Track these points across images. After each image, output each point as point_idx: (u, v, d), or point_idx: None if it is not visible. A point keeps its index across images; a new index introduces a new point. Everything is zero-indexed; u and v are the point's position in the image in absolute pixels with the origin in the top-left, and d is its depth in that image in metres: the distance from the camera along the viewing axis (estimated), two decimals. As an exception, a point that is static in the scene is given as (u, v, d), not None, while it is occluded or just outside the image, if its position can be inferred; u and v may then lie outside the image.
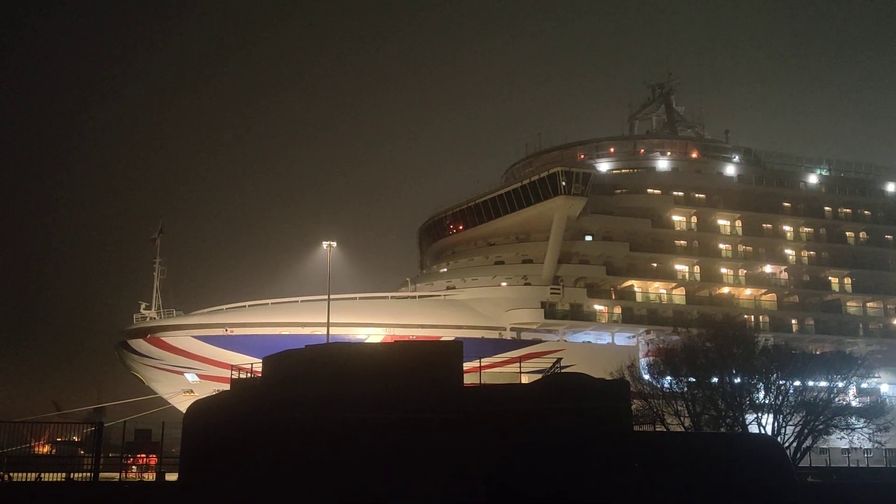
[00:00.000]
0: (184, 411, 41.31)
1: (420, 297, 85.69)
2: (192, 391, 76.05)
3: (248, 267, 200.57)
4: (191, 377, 79.06)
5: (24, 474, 37.50)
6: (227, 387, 42.22)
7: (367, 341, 72.58)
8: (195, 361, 78.10)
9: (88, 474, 39.11)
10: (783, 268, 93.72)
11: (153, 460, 46.28)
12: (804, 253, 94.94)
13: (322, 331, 64.62)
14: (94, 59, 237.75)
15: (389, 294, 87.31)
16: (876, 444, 58.33)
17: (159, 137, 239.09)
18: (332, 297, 63.61)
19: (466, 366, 36.18)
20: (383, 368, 33.74)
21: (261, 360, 37.87)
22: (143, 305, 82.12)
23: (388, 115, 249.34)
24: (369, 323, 78.88)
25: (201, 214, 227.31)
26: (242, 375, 41.70)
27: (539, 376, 40.25)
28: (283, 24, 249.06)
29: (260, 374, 37.99)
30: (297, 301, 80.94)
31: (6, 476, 36.64)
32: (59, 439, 50.32)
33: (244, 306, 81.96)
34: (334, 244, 62.29)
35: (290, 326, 76.82)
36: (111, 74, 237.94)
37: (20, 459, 39.55)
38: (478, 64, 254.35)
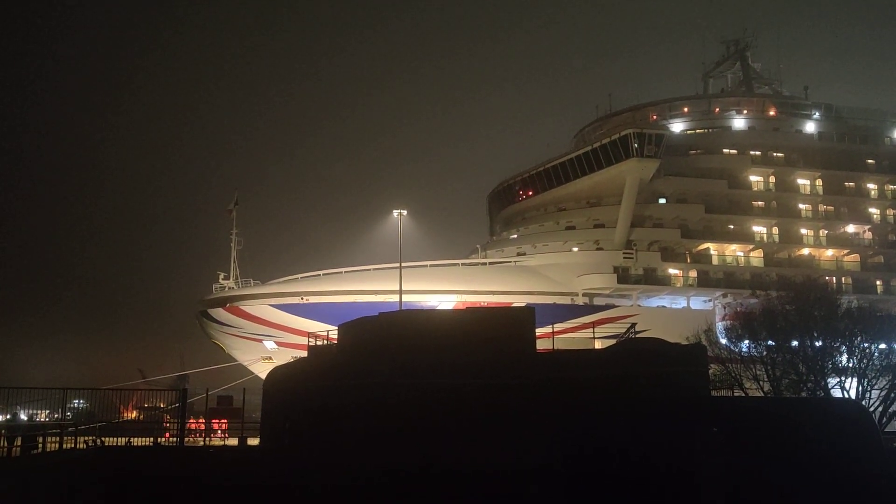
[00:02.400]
0: (263, 378, 42.43)
1: (490, 263, 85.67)
2: (270, 358, 78.01)
3: (322, 236, 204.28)
4: (269, 344, 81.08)
5: (115, 439, 39.08)
6: (304, 353, 43.10)
7: (438, 308, 73.06)
8: (273, 329, 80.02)
9: (174, 439, 40.54)
10: (867, 227, 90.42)
11: (224, 425, 47.57)
12: (889, 211, 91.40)
13: (394, 298, 65.30)
14: (199, 47, 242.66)
15: (460, 261, 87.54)
16: (967, 408, 56.02)
17: (244, 119, 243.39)
18: (403, 264, 64.17)
19: (539, 332, 36.01)
20: (456, 335, 33.85)
21: (336, 328, 38.52)
22: (221, 276, 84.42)
23: (458, 80, 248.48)
24: (441, 290, 79.30)
25: (278, 186, 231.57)
26: (319, 342, 42.43)
27: (613, 342, 39.85)
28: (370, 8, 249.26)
29: (336, 341, 38.63)
30: (369, 269, 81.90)
31: (99, 440, 38.27)
32: (145, 405, 52.24)
33: (319, 275, 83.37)
34: (405, 212, 62.71)
35: (364, 294, 77.79)
36: (213, 61, 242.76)
37: (111, 425, 41.19)
38: (550, 27, 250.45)
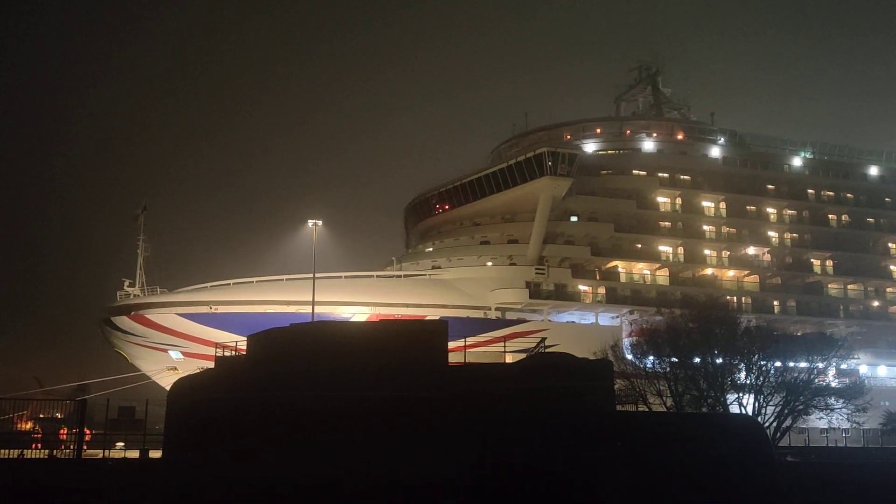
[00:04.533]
0: (168, 389, 41.25)
1: (405, 276, 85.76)
2: (176, 368, 75.95)
3: (233, 245, 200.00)
4: (175, 354, 78.93)
5: (7, 451, 37.29)
6: (211, 364, 42.17)
7: (351, 320, 72.63)
8: (179, 339, 77.96)
9: (71, 451, 38.96)
10: (766, 250, 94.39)
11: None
12: (787, 235, 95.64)
13: (307, 309, 64.59)
14: (85, 44, 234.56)
15: (375, 273, 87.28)
16: (854, 425, 59.09)
17: (146, 118, 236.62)
18: (317, 275, 63.58)
19: (451, 345, 36.30)
20: (368, 347, 33.81)
21: (245, 338, 37.86)
22: (126, 283, 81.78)
23: (376, 97, 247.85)
24: (354, 301, 78.88)
25: (187, 192, 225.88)
26: (227, 353, 41.61)
27: (523, 356, 40.43)
28: (272, 10, 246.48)
29: (244, 352, 37.98)
30: (281, 279, 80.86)
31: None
32: (41, 416, 49.99)
33: (229, 284, 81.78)
34: (320, 223, 62.17)
35: (275, 304, 76.73)
36: (100, 58, 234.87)
37: (2, 436, 39.27)
38: (466, 46, 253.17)
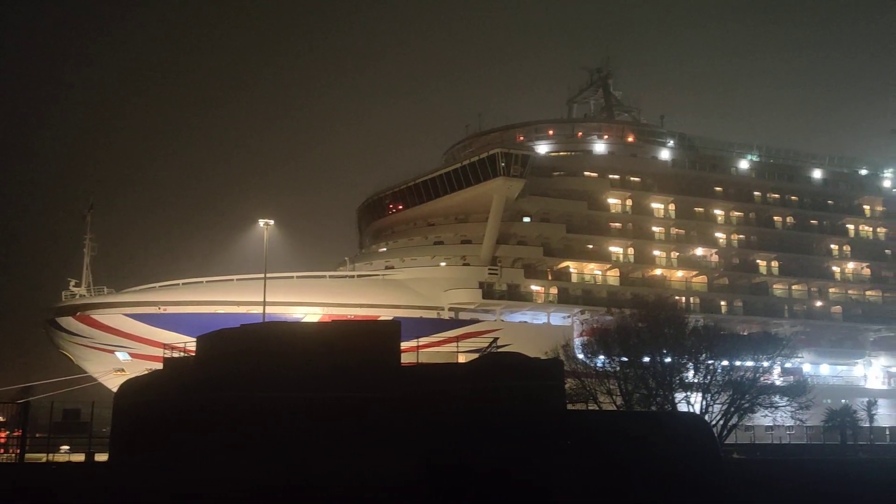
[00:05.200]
0: (115, 390, 40.53)
1: (358, 276, 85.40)
2: (123, 370, 74.52)
3: (183, 246, 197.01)
4: (122, 356, 77.45)
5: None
6: (159, 366, 41.59)
7: (303, 321, 72.08)
8: (127, 340, 76.53)
9: (14, 455, 38.06)
10: (714, 251, 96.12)
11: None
12: (734, 236, 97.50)
13: (258, 310, 63.97)
14: (35, 45, 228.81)
15: (327, 273, 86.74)
16: (798, 422, 60.43)
17: (98, 121, 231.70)
18: (268, 275, 62.94)
19: (404, 345, 36.36)
20: (320, 348, 33.67)
21: (195, 339, 37.41)
22: (72, 282, 79.95)
23: (330, 99, 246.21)
24: (306, 302, 78.28)
25: (136, 191, 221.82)
26: (176, 354, 41.09)
27: (476, 356, 40.67)
28: (224, 17, 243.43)
29: (194, 354, 37.53)
30: (232, 279, 79.88)
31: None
32: (-19, 419, 48.70)
33: (178, 284, 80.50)
34: (271, 222, 61.59)
35: (226, 305, 75.77)
36: (47, 59, 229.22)
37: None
38: (420, 47, 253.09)
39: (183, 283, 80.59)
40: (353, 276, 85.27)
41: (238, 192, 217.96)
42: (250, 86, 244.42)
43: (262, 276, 62.57)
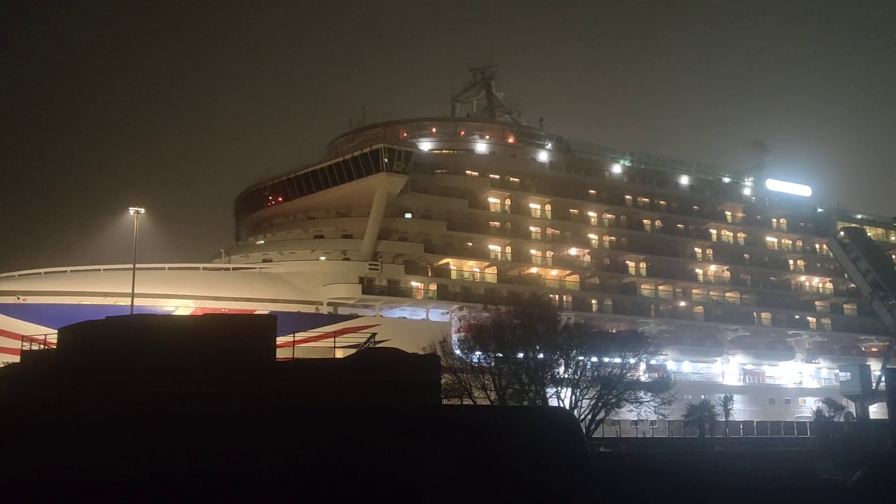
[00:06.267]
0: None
1: (234, 269, 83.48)
2: (-25, 364, 70.00)
3: (47, 232, 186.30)
4: (-26, 348, 72.71)
5: None
6: (17, 359, 39.51)
7: (174, 314, 69.82)
8: (-20, 331, 71.91)
9: None
10: (586, 251, 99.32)
11: None
12: (606, 238, 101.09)
13: (126, 301, 61.55)
14: None
15: (201, 265, 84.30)
16: (660, 417, 63.36)
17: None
18: (138, 266, 60.59)
19: (281, 340, 35.86)
20: (190, 342, 32.78)
21: (56, 332, 35.77)
22: (-80, 269, 74.48)
23: (207, 81, 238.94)
24: (178, 294, 75.84)
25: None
26: (35, 347, 39.09)
27: (354, 351, 40.60)
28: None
29: (55, 346, 35.89)
30: (99, 269, 76.46)
31: None
32: None
33: (39, 273, 76.35)
34: (142, 211, 59.36)
35: (91, 296, 72.47)
36: None
37: None
38: (307, 35, 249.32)
39: (45, 272, 76.53)
40: (228, 269, 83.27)
41: (111, 179, 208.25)
42: (129, 63, 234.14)
43: (132, 266, 60.23)
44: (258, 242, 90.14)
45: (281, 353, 35.57)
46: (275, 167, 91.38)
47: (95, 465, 29.38)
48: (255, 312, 69.03)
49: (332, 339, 53.67)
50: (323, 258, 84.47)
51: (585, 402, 57.89)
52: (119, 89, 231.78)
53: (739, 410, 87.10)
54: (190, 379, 31.13)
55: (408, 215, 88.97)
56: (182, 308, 73.93)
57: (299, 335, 38.25)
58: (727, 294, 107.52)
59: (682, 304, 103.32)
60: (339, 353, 45.28)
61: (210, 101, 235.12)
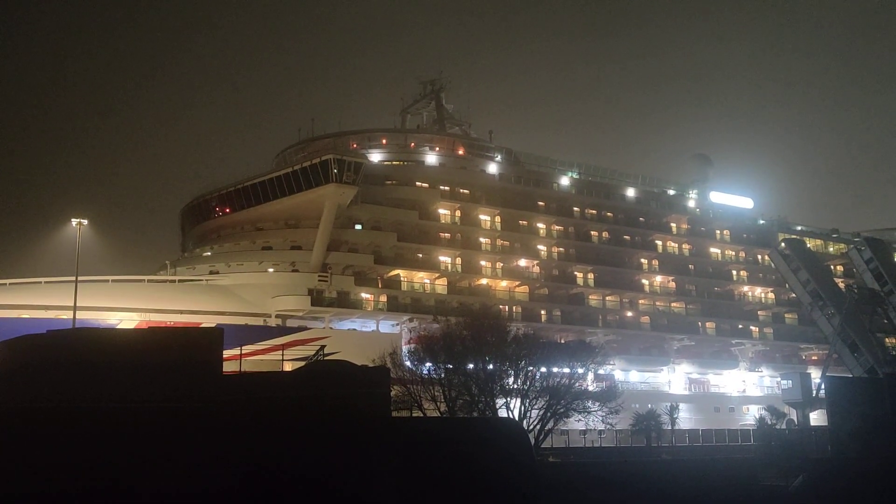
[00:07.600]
0: None
1: (180, 281, 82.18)
2: None
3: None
4: None
5: None
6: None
7: (118, 327, 68.38)
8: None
9: None
10: (535, 262, 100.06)
11: None
12: (554, 249, 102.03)
13: (67, 315, 60.13)
14: None
15: (146, 277, 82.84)
16: (608, 426, 64.06)
17: None
18: (80, 278, 59.27)
19: (228, 353, 35.45)
20: (135, 356, 32.18)
21: (-6, 346, 34.73)
22: None
23: (152, 93, 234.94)
24: (122, 308, 74.34)
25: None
26: (-29, 362, 37.75)
27: (303, 364, 40.30)
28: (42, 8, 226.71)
29: (-7, 362, 34.81)
30: (40, 282, 74.66)
31: None
32: None
33: (-25, 285, 74.13)
34: (85, 222, 58.17)
35: (31, 309, 70.75)
36: None
37: None
38: (256, 47, 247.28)
39: (-18, 285, 74.32)
40: (174, 281, 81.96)
41: (52, 189, 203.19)
42: (70, 77, 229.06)
43: (74, 278, 58.89)
44: (205, 254, 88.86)
45: (228, 367, 35.22)
46: (223, 178, 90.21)
47: (37, 481, 28.60)
48: (202, 325, 68.02)
49: (281, 352, 52.95)
50: (271, 270, 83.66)
51: (534, 413, 58.27)
52: (62, 101, 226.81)
53: (685, 419, 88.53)
54: (134, 393, 30.55)
55: (358, 226, 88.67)
56: (126, 321, 72.46)
57: (247, 348, 37.84)
58: (673, 304, 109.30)
59: (629, 314, 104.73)
60: (288, 366, 44.93)
61: (157, 112, 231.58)
